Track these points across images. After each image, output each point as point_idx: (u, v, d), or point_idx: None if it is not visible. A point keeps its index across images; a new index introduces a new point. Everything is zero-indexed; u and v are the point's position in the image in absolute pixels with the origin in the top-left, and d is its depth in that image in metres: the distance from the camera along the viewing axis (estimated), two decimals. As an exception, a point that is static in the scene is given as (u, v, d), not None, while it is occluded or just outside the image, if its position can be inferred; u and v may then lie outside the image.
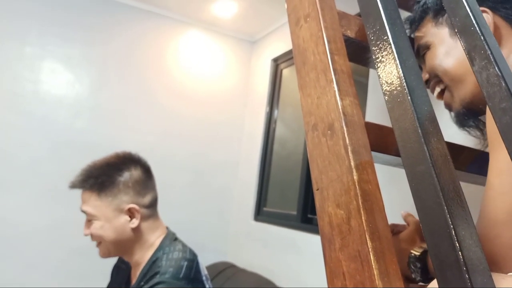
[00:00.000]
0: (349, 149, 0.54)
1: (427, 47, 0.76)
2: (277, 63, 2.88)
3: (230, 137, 2.98)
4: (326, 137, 0.59)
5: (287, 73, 2.82)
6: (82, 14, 2.57)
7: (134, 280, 1.12)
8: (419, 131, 0.44)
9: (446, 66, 0.72)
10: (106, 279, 2.63)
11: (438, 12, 0.74)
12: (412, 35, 0.83)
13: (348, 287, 0.47)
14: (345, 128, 0.56)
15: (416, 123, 0.45)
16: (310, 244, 2.05)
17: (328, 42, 0.68)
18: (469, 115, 0.74)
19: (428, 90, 0.77)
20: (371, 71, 1.80)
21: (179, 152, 2.73)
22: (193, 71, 2.88)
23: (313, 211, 2.20)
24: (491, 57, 0.42)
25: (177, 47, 2.85)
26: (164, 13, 2.80)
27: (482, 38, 0.45)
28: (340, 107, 0.59)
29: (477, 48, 0.45)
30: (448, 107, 0.77)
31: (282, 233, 2.31)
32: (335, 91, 0.61)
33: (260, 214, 2.69)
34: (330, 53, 0.66)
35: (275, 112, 2.82)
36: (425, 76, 0.78)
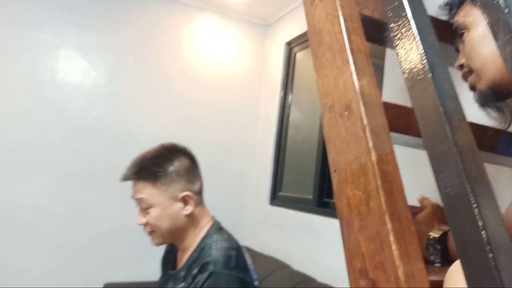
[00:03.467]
0: (367, 130, 0.53)
1: (465, 27, 0.73)
2: (291, 47, 2.84)
3: (245, 122, 2.98)
4: (343, 118, 0.58)
5: (301, 56, 2.78)
6: (96, 1, 2.57)
7: (180, 264, 1.14)
8: (441, 109, 0.43)
9: (481, 49, 0.69)
10: (126, 262, 2.69)
11: None
12: (450, 21, 0.80)
13: (367, 267, 0.47)
14: (362, 108, 0.55)
15: (437, 101, 0.44)
16: (326, 227, 2.05)
17: (345, 21, 0.66)
18: (493, 97, 0.72)
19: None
20: (388, 52, 1.76)
21: (195, 138, 2.73)
22: (207, 56, 2.87)
23: (329, 195, 2.20)
24: (517, 30, 0.40)
25: (191, 33, 2.84)
26: (177, -2, 2.78)
27: (506, 11, 0.44)
28: (357, 87, 0.58)
29: (500, 22, 0.44)
30: (472, 86, 0.75)
31: (298, 217, 2.32)
32: (352, 71, 0.60)
33: (276, 198, 2.70)
34: (346, 32, 0.65)
35: (290, 96, 2.79)
36: (461, 60, 0.75)
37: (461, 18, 0.74)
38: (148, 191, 1.09)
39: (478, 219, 0.37)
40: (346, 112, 0.58)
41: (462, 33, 0.74)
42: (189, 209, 1.11)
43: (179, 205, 1.11)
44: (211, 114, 2.85)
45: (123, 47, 2.64)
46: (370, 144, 0.52)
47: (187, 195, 1.11)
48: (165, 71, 2.74)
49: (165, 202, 1.09)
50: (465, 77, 0.75)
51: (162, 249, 1.32)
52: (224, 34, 2.96)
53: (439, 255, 0.69)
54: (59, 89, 2.47)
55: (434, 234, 0.71)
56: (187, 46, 2.82)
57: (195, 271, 1.04)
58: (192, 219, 1.13)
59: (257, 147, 2.98)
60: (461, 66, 0.75)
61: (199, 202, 1.17)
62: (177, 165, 1.12)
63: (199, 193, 1.17)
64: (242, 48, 3.02)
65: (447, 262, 0.69)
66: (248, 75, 3.02)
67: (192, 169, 1.16)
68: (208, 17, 2.91)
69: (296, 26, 2.71)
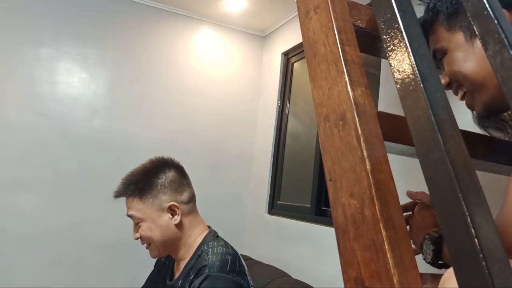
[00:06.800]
0: (362, 139, 0.54)
1: (444, 52, 0.73)
2: (288, 57, 2.86)
3: (243, 132, 2.99)
4: (338, 128, 0.59)
5: (298, 66, 2.81)
6: (95, 13, 2.60)
7: (177, 274, 1.17)
8: (432, 118, 0.44)
9: (466, 72, 0.69)
10: (126, 274, 2.67)
11: (450, 16, 0.71)
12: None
13: (363, 276, 0.47)
14: (357, 118, 0.56)
15: (429, 110, 0.44)
16: (324, 236, 2.05)
17: (339, 32, 0.67)
18: (491, 116, 0.73)
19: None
20: (383, 62, 1.78)
21: (194, 148, 2.75)
22: (205, 67, 2.89)
23: (327, 204, 2.20)
24: (505, 41, 0.41)
25: (189, 44, 2.87)
26: (176, 10, 2.81)
27: (495, 22, 0.44)
28: (351, 97, 0.59)
29: (490, 32, 0.44)
30: (471, 108, 0.75)
31: (296, 225, 2.31)
32: (346, 81, 0.61)
33: (274, 207, 2.70)
34: (340, 43, 0.66)
35: (287, 106, 2.81)
36: (446, 79, 0.76)
37: (438, 44, 0.74)
38: (136, 207, 1.14)
39: (470, 227, 0.37)
40: (340, 122, 0.59)
41: (441, 57, 0.74)
42: (177, 219, 1.15)
43: (168, 215, 1.15)
44: (210, 124, 2.86)
45: (122, 59, 2.66)
46: (365, 153, 0.53)
47: (173, 205, 1.14)
48: (163, 82, 2.76)
49: (153, 215, 1.13)
50: (461, 96, 0.76)
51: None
52: (222, 45, 2.98)
53: (432, 256, 0.69)
54: (59, 101, 2.48)
55: (434, 233, 0.71)
56: (185, 58, 2.84)
57: (192, 276, 1.07)
58: (182, 228, 1.16)
59: (255, 156, 2.98)
60: (448, 85, 0.76)
61: (190, 212, 1.20)
62: (162, 177, 1.17)
63: (188, 202, 1.20)
64: (240, 58, 3.04)
65: (437, 264, 0.70)
66: (246, 85, 3.03)
67: (179, 180, 1.20)
68: (206, 29, 2.93)
69: (293, 36, 2.74)
